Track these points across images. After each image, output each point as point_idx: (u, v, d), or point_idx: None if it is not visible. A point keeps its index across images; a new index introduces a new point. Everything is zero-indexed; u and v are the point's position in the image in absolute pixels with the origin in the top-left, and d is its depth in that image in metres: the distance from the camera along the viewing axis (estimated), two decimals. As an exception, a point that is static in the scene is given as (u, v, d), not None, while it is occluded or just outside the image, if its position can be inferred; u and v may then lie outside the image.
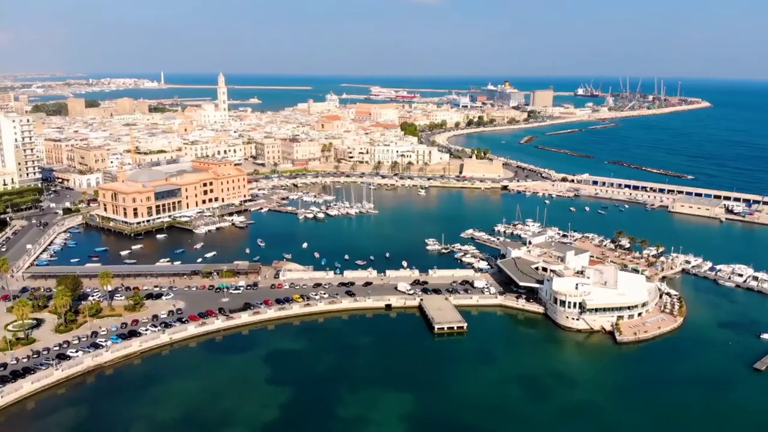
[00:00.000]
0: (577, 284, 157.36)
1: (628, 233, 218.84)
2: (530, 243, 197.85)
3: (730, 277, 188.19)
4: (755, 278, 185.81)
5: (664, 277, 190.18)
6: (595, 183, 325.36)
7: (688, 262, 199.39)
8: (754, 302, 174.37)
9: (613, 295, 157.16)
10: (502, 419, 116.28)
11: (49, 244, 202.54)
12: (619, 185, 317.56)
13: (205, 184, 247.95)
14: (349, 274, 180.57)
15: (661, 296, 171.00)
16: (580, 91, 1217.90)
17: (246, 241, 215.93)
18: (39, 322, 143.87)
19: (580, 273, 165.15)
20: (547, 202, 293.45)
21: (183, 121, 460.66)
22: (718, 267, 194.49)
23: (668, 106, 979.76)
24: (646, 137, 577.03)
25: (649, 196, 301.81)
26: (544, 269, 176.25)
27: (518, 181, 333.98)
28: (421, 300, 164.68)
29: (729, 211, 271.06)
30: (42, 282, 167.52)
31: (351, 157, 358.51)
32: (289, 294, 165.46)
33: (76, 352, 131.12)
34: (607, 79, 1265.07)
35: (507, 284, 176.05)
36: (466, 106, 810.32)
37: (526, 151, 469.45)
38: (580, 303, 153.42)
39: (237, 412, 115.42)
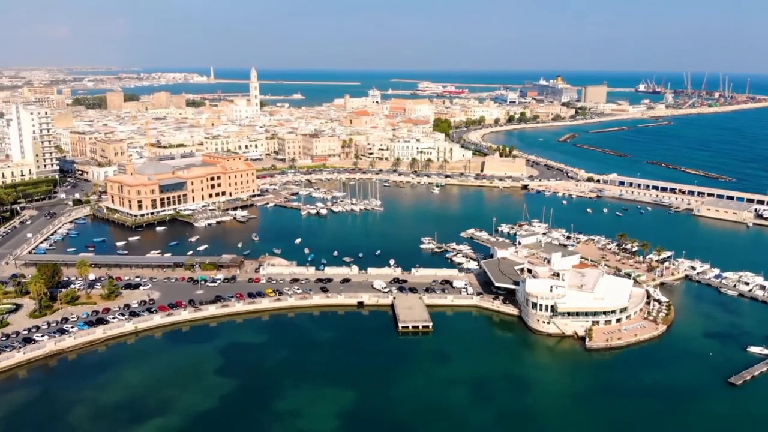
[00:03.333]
0: (551, 286, 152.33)
1: (643, 237, 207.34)
2: (519, 243, 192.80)
3: (735, 285, 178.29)
4: (762, 287, 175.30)
5: (662, 283, 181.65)
6: (621, 184, 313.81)
7: (693, 268, 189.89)
8: (753, 313, 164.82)
9: (588, 299, 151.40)
10: (437, 420, 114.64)
11: (52, 234, 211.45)
12: (647, 186, 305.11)
13: (212, 178, 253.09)
14: (329, 271, 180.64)
15: (649, 303, 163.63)
16: (642, 88, 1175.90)
17: (243, 236, 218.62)
18: (18, 307, 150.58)
19: (556, 275, 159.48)
20: (564, 202, 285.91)
21: (210, 115, 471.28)
22: (724, 274, 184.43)
23: (733, 104, 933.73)
24: (696, 137, 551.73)
25: (676, 199, 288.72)
26: (529, 270, 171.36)
27: (540, 180, 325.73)
28: (394, 298, 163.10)
29: (759, 215, 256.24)
30: (33, 269, 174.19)
31: (371, 154, 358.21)
32: (265, 288, 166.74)
33: (42, 336, 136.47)
34: (671, 75, 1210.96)
35: (489, 285, 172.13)
36: (514, 102, 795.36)
37: (563, 149, 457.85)
38: (551, 306, 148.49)
39: (176, 401, 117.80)
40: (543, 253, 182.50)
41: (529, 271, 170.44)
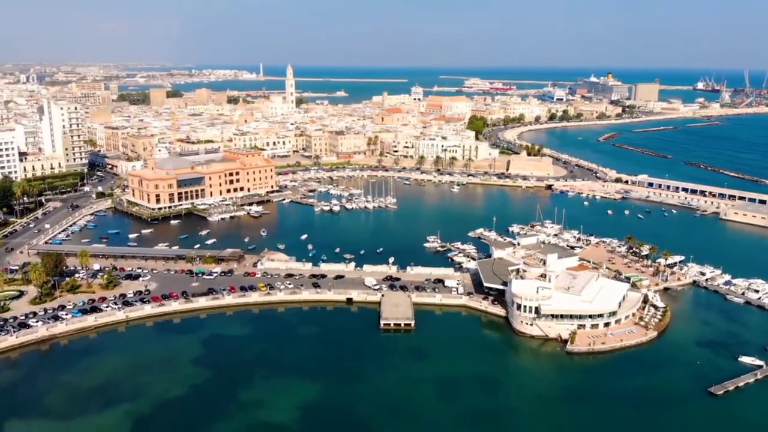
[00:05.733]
0: (537, 288, 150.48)
1: (661, 240, 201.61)
2: (518, 244, 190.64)
3: (744, 293, 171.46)
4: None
5: (667, 288, 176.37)
6: (650, 185, 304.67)
7: (702, 273, 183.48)
8: (757, 321, 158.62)
9: (575, 301, 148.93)
10: (398, 418, 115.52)
11: (71, 225, 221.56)
12: (675, 188, 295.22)
13: (230, 174, 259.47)
14: (324, 267, 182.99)
15: (645, 308, 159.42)
16: (700, 86, 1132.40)
17: (253, 231, 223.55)
18: (21, 294, 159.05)
19: (543, 276, 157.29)
20: (586, 203, 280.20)
21: (243, 112, 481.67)
22: (733, 281, 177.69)
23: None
24: (746, 138, 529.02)
25: (705, 201, 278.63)
26: (525, 271, 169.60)
27: (566, 180, 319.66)
28: (383, 295, 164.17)
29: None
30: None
31: (395, 152, 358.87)
32: (258, 282, 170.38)
33: (37, 322, 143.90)
34: (731, 72, 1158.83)
35: (482, 285, 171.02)
36: (561, 99, 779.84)
37: (600, 148, 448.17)
38: (535, 308, 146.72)
39: (149, 388, 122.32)
40: (540, 254, 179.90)
41: (525, 272, 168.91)
